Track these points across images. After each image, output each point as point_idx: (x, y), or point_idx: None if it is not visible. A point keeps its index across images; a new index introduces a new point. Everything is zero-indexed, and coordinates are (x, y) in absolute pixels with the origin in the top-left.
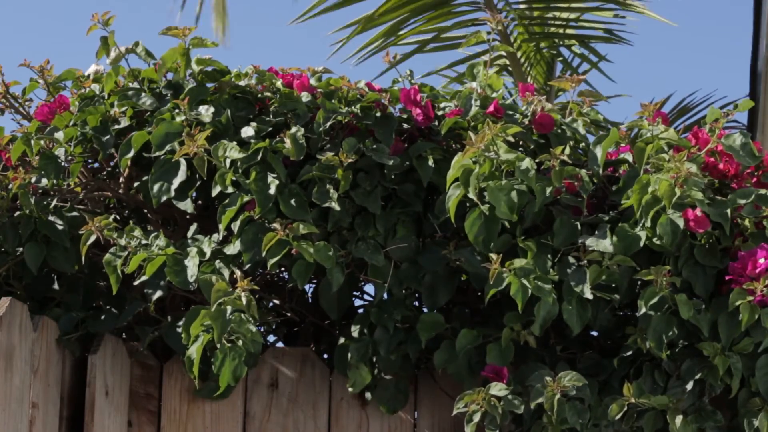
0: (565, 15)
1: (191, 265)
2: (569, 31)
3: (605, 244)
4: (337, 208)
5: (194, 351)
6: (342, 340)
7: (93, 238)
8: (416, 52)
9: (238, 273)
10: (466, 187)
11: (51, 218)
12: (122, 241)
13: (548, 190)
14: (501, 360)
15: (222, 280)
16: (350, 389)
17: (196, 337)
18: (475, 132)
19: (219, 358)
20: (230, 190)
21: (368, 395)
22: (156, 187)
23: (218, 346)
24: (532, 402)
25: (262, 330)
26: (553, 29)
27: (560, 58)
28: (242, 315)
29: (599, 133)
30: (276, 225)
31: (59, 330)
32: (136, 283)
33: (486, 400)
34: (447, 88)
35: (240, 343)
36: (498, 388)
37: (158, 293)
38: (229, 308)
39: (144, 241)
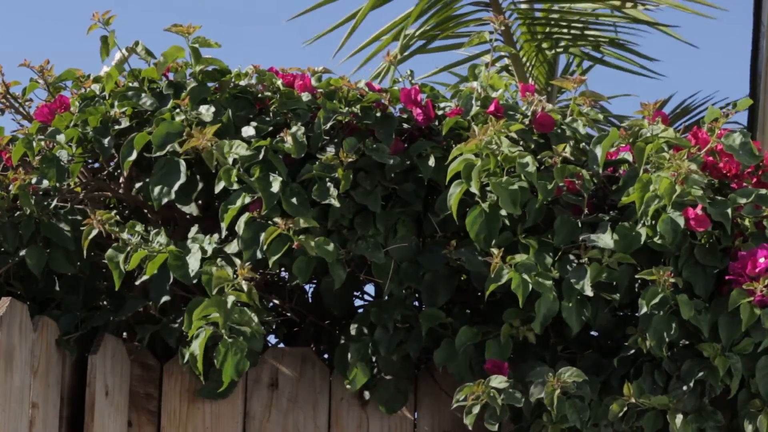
0: (570, 16)
1: (193, 261)
2: (574, 32)
3: (606, 240)
4: (337, 204)
5: (197, 347)
6: (342, 341)
7: (95, 232)
8: (423, 51)
9: (238, 262)
10: (468, 182)
11: (54, 221)
12: (125, 236)
13: (550, 186)
14: (500, 355)
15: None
16: (347, 387)
17: (197, 333)
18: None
19: (221, 352)
20: (236, 186)
21: (367, 394)
22: (156, 190)
23: (222, 332)
24: (532, 397)
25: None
26: (555, 29)
27: (570, 58)
28: (245, 308)
29: (601, 132)
30: (277, 219)
31: (59, 330)
32: (137, 282)
33: (486, 392)
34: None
35: (241, 338)
36: (498, 381)
37: (164, 297)
38: (231, 297)
39: (146, 238)
